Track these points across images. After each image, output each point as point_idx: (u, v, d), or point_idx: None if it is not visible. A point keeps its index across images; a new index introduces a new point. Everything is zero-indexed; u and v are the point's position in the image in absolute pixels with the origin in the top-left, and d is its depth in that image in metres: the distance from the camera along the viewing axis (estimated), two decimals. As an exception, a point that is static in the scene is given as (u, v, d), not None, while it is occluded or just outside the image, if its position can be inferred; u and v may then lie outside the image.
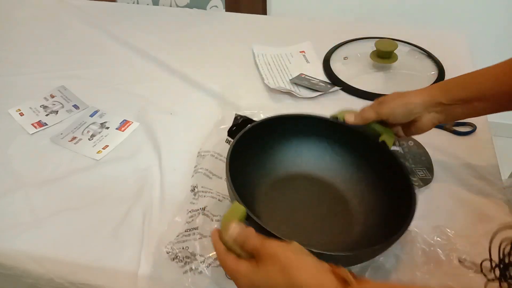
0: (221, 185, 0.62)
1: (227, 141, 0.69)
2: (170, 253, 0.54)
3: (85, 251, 0.56)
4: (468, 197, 0.63)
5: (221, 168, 0.65)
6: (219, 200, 0.60)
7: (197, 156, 0.68)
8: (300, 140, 0.64)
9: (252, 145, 0.59)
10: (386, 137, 0.59)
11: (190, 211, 0.59)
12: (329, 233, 0.57)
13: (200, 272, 0.52)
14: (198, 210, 0.59)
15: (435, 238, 0.56)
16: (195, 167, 0.66)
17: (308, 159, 0.64)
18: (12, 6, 1.08)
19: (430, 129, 0.59)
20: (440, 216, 0.60)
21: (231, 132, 0.70)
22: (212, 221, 0.58)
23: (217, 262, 0.53)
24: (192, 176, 0.64)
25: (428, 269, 0.53)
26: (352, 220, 0.58)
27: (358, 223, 0.57)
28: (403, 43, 0.94)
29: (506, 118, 1.68)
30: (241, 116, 0.72)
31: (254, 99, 0.81)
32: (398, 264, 0.54)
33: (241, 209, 0.47)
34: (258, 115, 0.73)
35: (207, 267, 0.53)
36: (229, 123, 0.71)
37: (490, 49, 1.47)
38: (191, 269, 0.52)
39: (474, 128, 0.73)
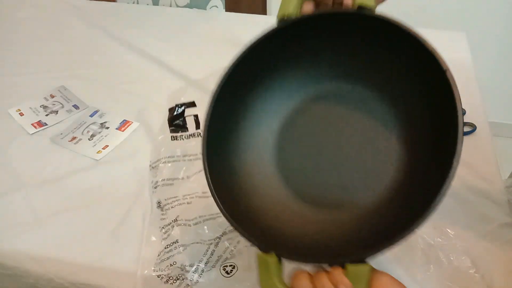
0: (185, 186, 0.61)
1: (173, 138, 0.65)
2: (161, 277, 0.52)
3: (85, 251, 0.56)
4: (468, 197, 0.63)
5: (179, 168, 0.64)
6: (188, 203, 0.59)
7: (150, 170, 0.66)
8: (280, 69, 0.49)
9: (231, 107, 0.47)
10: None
11: (163, 227, 0.57)
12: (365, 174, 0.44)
13: (196, 282, 0.52)
14: (170, 223, 0.57)
15: (435, 238, 0.56)
16: (152, 182, 0.64)
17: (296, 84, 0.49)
18: (12, 6, 1.08)
19: None
20: (440, 216, 0.60)
21: (171, 126, 0.65)
22: (190, 226, 0.57)
23: (210, 265, 0.53)
24: (154, 192, 0.63)
25: (428, 270, 0.53)
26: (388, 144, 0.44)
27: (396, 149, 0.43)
28: (403, 43, 0.94)
29: (506, 118, 1.68)
30: (176, 105, 0.68)
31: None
32: (395, 265, 0.54)
33: (272, 261, 0.37)
34: (189, 95, 0.69)
35: (201, 274, 0.52)
36: (165, 120, 0.68)
37: (490, 49, 1.47)
38: (187, 285, 0.51)
39: (474, 128, 0.73)
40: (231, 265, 0.53)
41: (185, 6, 1.10)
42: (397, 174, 0.43)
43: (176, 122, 0.66)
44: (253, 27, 1.09)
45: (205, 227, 0.56)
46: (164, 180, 0.63)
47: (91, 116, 0.77)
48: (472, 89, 0.84)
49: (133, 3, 1.12)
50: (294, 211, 0.46)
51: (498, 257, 0.55)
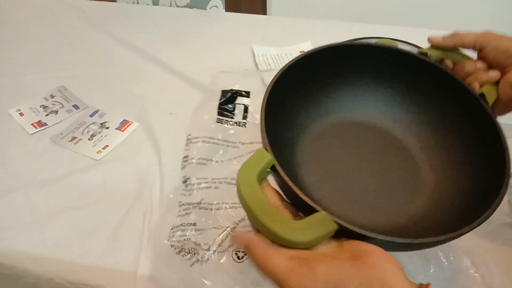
0: (217, 170, 0.61)
1: (219, 121, 0.66)
2: (175, 247, 0.53)
3: (85, 251, 0.57)
4: (468, 197, 0.62)
5: (216, 152, 0.64)
6: (215, 188, 0.60)
7: (186, 144, 0.66)
8: (359, 80, 0.51)
9: (295, 84, 0.47)
10: (488, 89, 0.44)
11: (183, 204, 0.58)
12: (386, 201, 0.45)
13: (207, 260, 0.52)
14: (193, 204, 0.58)
15: (435, 238, 0.56)
16: (185, 157, 0.65)
17: (369, 104, 0.51)
18: (12, 6, 1.08)
19: None
20: (440, 216, 0.60)
21: (221, 109, 0.66)
22: (212, 210, 0.57)
23: (223, 247, 0.53)
24: (184, 167, 0.63)
25: (428, 270, 0.53)
26: (417, 188, 0.46)
27: (425, 192, 0.45)
28: (403, 43, 0.94)
29: (506, 118, 1.68)
30: (228, 91, 0.69)
31: (254, 100, 0.81)
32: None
33: (266, 157, 0.36)
34: (245, 86, 0.69)
35: (213, 254, 0.52)
36: (216, 102, 0.67)
37: (490, 49, 1.47)
38: (198, 260, 0.52)
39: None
40: (243, 251, 0.53)
41: (185, 6, 1.10)
42: (428, 202, 0.45)
43: (226, 106, 0.66)
44: (253, 27, 1.10)
45: (225, 213, 0.57)
46: (199, 158, 0.62)
47: (91, 116, 0.77)
48: (472, 89, 0.84)
49: (133, 3, 1.12)
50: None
51: (498, 257, 0.55)
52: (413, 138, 0.48)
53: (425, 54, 0.47)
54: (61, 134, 0.74)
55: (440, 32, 1.01)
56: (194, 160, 0.63)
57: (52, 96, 0.81)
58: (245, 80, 0.71)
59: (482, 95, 0.43)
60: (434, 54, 0.48)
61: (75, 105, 0.80)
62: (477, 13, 1.38)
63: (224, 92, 0.69)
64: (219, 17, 1.07)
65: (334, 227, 0.33)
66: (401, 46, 0.90)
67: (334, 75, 0.50)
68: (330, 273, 0.30)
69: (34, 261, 0.55)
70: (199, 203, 0.58)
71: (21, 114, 0.77)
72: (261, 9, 1.38)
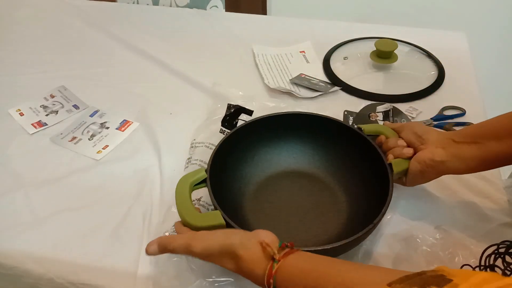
0: None
1: (221, 131, 0.69)
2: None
3: (85, 251, 0.57)
4: (468, 197, 0.63)
5: None
6: None
7: (190, 147, 0.68)
8: (281, 139, 0.67)
9: (232, 151, 0.61)
10: (397, 161, 0.57)
11: None
12: (318, 222, 0.60)
13: None
14: (193, 201, 0.59)
15: (435, 238, 0.56)
16: (188, 159, 0.66)
17: (292, 156, 0.67)
18: (12, 6, 1.08)
19: (427, 167, 0.55)
20: (440, 216, 0.60)
21: (224, 122, 0.70)
22: (208, 210, 0.59)
23: None
24: (186, 167, 0.65)
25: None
26: (338, 208, 0.61)
27: (344, 211, 0.61)
28: (403, 43, 0.94)
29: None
30: (233, 106, 0.72)
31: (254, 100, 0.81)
32: (398, 265, 0.54)
33: (201, 173, 0.53)
34: (250, 104, 0.73)
35: None
36: (222, 113, 0.71)
37: (490, 49, 1.47)
38: None
39: (474, 128, 0.73)
40: None
41: (185, 6, 1.10)
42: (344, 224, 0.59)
43: (229, 119, 0.71)
44: (253, 27, 1.10)
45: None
46: (198, 160, 0.65)
47: (91, 116, 0.77)
48: (472, 89, 0.84)
49: (133, 3, 1.12)
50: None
51: (498, 257, 0.55)
52: (336, 182, 0.64)
53: (360, 129, 0.62)
54: (61, 134, 0.74)
55: (440, 32, 1.00)
56: (195, 162, 0.65)
57: (52, 96, 0.81)
58: (250, 100, 0.76)
59: (390, 164, 0.56)
60: (367, 130, 0.62)
61: (75, 105, 0.80)
62: (477, 13, 1.38)
63: (229, 106, 0.72)
64: (219, 17, 1.07)
65: (222, 222, 0.49)
66: (401, 46, 0.90)
67: (287, 133, 0.66)
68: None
69: (34, 261, 0.55)
70: (199, 199, 0.60)
71: (21, 114, 0.77)
72: (261, 9, 1.37)
